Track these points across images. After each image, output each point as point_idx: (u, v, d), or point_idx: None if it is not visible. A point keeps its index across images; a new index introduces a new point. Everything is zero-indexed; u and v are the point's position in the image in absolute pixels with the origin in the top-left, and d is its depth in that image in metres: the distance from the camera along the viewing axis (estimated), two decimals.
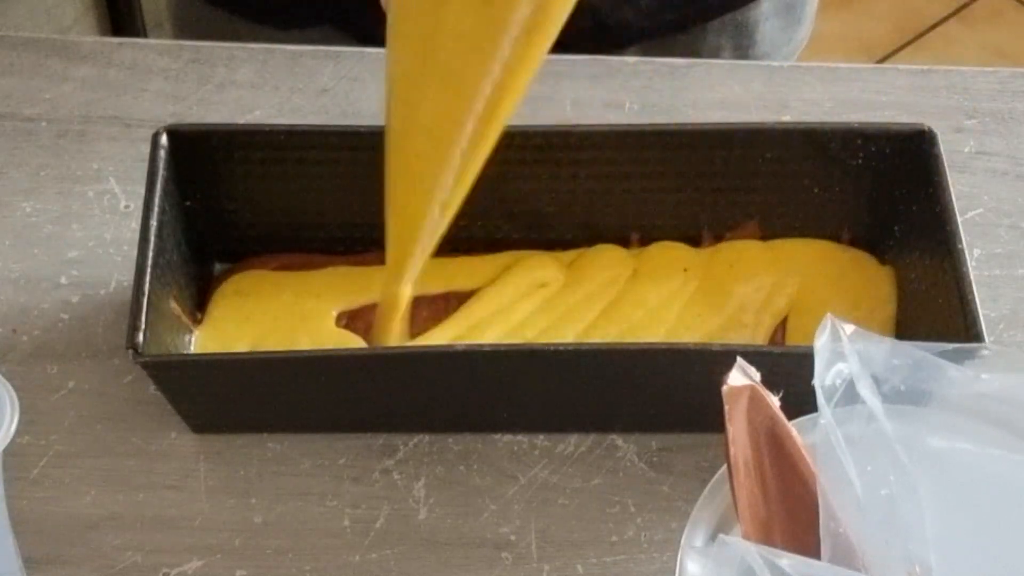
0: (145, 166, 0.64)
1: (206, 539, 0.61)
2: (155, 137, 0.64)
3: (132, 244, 0.63)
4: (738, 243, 0.68)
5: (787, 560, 0.43)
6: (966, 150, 0.75)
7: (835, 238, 0.69)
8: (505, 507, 0.62)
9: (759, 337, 0.66)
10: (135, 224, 0.63)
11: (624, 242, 0.69)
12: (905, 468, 0.47)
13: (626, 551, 0.61)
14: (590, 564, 0.61)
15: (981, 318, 0.59)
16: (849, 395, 0.47)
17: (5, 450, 0.50)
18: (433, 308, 0.66)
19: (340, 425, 0.64)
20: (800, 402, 0.49)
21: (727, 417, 0.47)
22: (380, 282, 0.63)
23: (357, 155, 0.66)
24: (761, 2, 0.85)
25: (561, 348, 0.62)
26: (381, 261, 0.67)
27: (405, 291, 0.62)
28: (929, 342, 0.49)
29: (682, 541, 0.48)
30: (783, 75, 0.78)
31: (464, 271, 0.67)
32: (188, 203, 0.66)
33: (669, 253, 0.68)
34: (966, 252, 0.62)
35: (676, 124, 0.70)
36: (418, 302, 0.65)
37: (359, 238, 0.68)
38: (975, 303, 0.60)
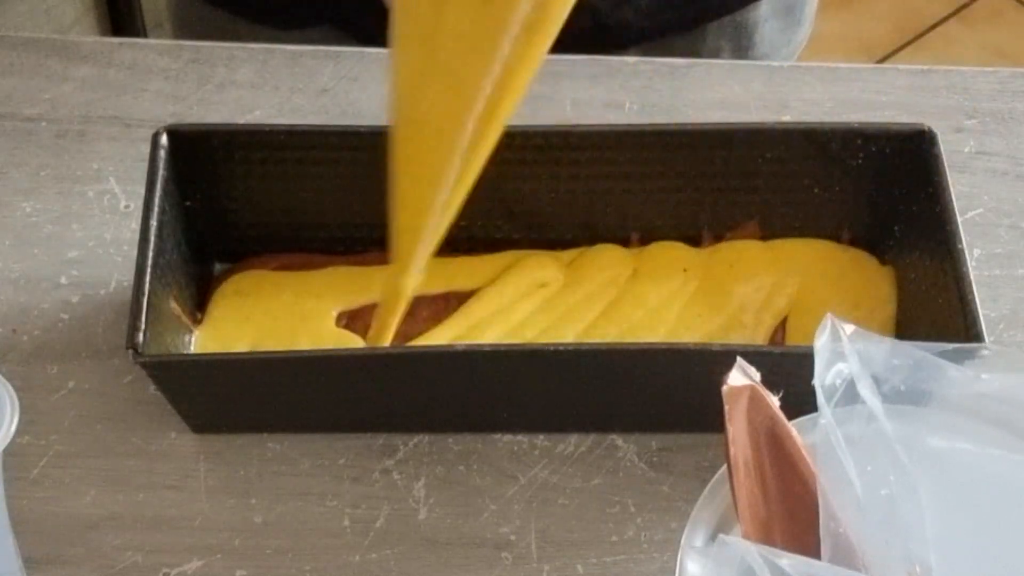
0: (145, 166, 0.64)
1: (206, 539, 0.61)
2: (155, 137, 0.64)
3: (132, 244, 0.63)
4: (738, 243, 0.68)
5: (787, 560, 0.43)
6: (966, 150, 0.75)
7: (835, 238, 0.69)
8: (505, 507, 0.62)
9: (759, 337, 0.66)
10: (135, 224, 0.63)
11: (624, 242, 0.69)
12: (905, 468, 0.47)
13: (626, 551, 0.61)
14: (590, 564, 0.61)
15: (981, 318, 0.59)
16: (849, 395, 0.47)
17: (5, 450, 0.50)
18: (433, 308, 0.66)
19: (340, 425, 0.64)
20: (800, 402, 0.49)
21: (727, 417, 0.47)
22: (384, 276, 0.63)
23: (357, 155, 0.66)
24: (760, 4, 0.85)
25: (561, 348, 0.62)
26: (381, 261, 0.68)
27: (409, 283, 0.62)
28: (929, 342, 0.49)
29: (682, 541, 0.48)
30: (783, 75, 0.78)
31: (464, 271, 0.67)
32: (188, 203, 0.66)
33: (669, 253, 0.68)
34: (966, 252, 0.62)
35: (676, 124, 0.70)
36: (418, 302, 0.65)
37: (359, 238, 0.68)
38: (975, 303, 0.60)
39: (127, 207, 0.71)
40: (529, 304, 0.66)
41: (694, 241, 0.69)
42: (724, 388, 0.47)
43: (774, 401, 0.48)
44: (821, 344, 0.48)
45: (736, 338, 0.66)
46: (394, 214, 0.60)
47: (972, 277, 0.61)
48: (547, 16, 0.53)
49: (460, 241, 0.66)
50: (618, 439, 0.64)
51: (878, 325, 0.66)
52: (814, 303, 0.66)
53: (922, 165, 0.64)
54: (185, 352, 0.64)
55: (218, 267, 0.68)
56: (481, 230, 0.68)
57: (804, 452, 0.47)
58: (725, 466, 0.47)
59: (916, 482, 0.47)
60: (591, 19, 0.80)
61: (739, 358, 0.48)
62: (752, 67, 0.79)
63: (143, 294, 0.60)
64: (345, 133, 0.66)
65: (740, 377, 0.48)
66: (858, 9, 1.90)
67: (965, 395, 0.49)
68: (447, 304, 0.67)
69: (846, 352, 0.48)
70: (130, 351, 0.58)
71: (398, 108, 0.58)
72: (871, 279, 0.67)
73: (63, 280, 0.69)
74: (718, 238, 0.69)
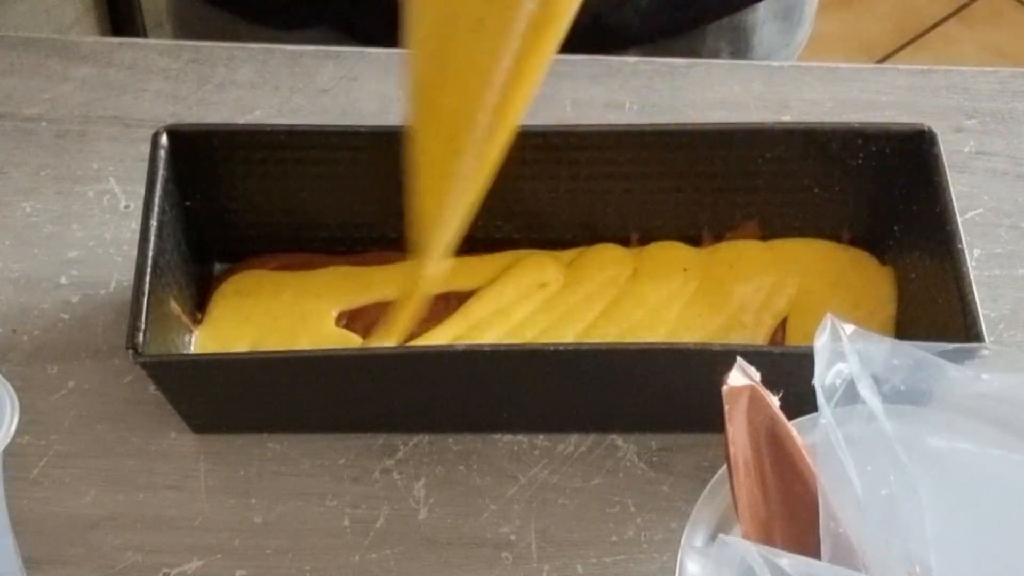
0: (145, 166, 0.64)
1: (206, 539, 0.61)
2: (155, 137, 0.64)
3: (132, 244, 0.63)
4: (738, 243, 0.68)
5: (787, 560, 0.43)
6: (966, 150, 0.75)
7: (835, 238, 0.69)
8: (505, 507, 0.62)
9: (759, 337, 0.66)
10: (135, 224, 0.63)
11: (624, 242, 0.69)
12: (905, 468, 0.47)
13: (626, 551, 0.61)
14: (590, 564, 0.61)
15: (981, 318, 0.59)
16: (849, 395, 0.47)
17: (5, 450, 0.50)
18: (433, 308, 0.66)
19: (340, 425, 0.64)
20: (800, 402, 0.49)
21: (727, 417, 0.47)
22: (401, 271, 0.64)
23: (357, 155, 0.66)
24: (759, 6, 0.85)
25: (561, 348, 0.62)
26: (381, 261, 0.68)
27: (429, 272, 0.62)
28: (929, 342, 0.49)
29: (682, 541, 0.48)
30: (783, 75, 0.78)
31: (464, 271, 0.67)
32: (188, 203, 0.66)
33: (669, 253, 0.68)
34: (966, 252, 0.62)
35: (676, 124, 0.70)
36: None
37: (359, 238, 0.68)
38: (975, 303, 0.60)
39: (127, 207, 0.71)
40: (529, 304, 0.66)
41: (694, 241, 0.69)
42: (724, 388, 0.47)
43: (774, 401, 0.48)
44: (821, 344, 0.48)
45: (736, 338, 0.66)
46: (413, 205, 0.61)
47: (972, 277, 0.61)
48: (553, 12, 0.54)
49: (460, 241, 0.66)
50: (618, 439, 0.64)
51: (878, 325, 0.66)
52: (814, 303, 0.66)
53: (922, 165, 0.64)
54: (185, 352, 0.64)
55: (218, 267, 0.68)
56: (481, 230, 0.67)
57: (804, 452, 0.47)
58: (725, 466, 0.47)
59: (916, 482, 0.47)
60: (591, 19, 0.80)
61: (739, 358, 0.48)
62: (752, 67, 0.79)
63: (143, 294, 0.60)
64: (345, 133, 0.66)
65: (740, 377, 0.48)
66: (858, 9, 1.90)
67: (965, 395, 0.49)
68: (447, 304, 0.67)
69: (846, 352, 0.48)
70: (130, 351, 0.58)
71: (414, 101, 0.58)
72: (871, 279, 0.67)
73: (63, 280, 0.69)
74: (718, 238, 0.69)
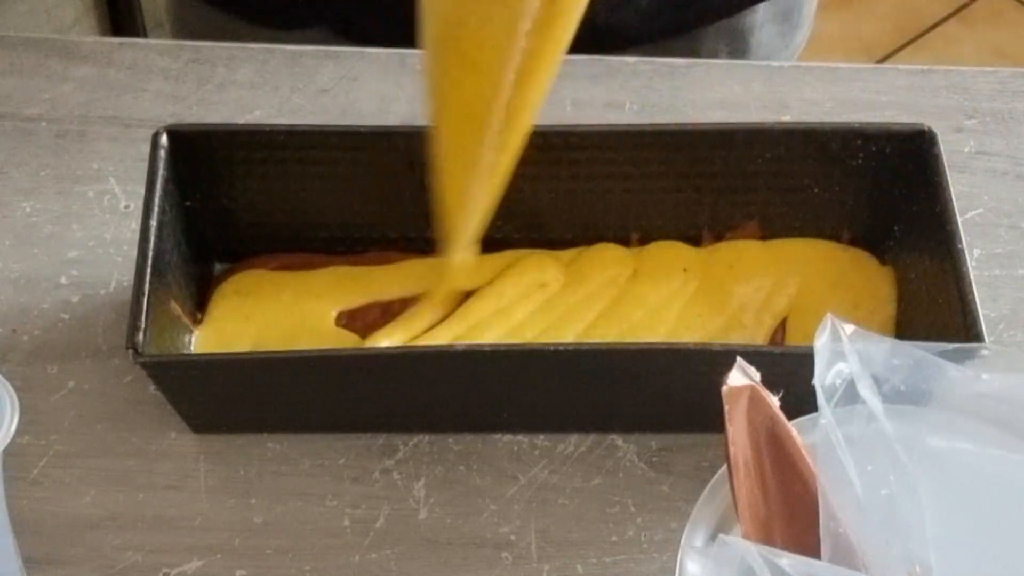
0: (145, 166, 0.64)
1: (206, 539, 0.61)
2: (155, 137, 0.64)
3: (132, 244, 0.63)
4: (738, 243, 0.68)
5: (787, 560, 0.43)
6: (966, 150, 0.75)
7: (835, 238, 0.69)
8: (505, 507, 0.62)
9: (759, 337, 0.66)
10: (135, 224, 0.63)
11: (624, 242, 0.69)
12: (905, 468, 0.47)
13: (626, 551, 0.61)
14: (590, 564, 0.61)
15: (981, 318, 0.59)
16: (849, 395, 0.47)
17: (5, 450, 0.50)
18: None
19: (340, 425, 0.64)
20: (800, 402, 0.49)
21: (727, 417, 0.47)
22: (427, 266, 0.65)
23: (357, 155, 0.66)
24: (757, 8, 0.85)
25: (561, 348, 0.62)
26: (381, 261, 0.68)
27: (457, 259, 0.64)
28: (929, 342, 0.49)
29: (682, 541, 0.48)
30: (783, 75, 0.78)
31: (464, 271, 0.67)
32: (188, 203, 0.66)
33: (669, 252, 0.68)
34: (966, 252, 0.62)
35: (676, 124, 0.70)
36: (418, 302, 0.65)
37: (359, 238, 0.68)
38: (975, 303, 0.60)
39: (127, 207, 0.71)
40: (529, 304, 0.66)
41: (694, 241, 0.69)
42: (724, 388, 0.47)
43: (774, 401, 0.48)
44: (821, 344, 0.48)
45: (736, 338, 0.66)
46: (438, 197, 0.62)
47: (972, 277, 0.61)
48: (560, 10, 0.56)
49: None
50: (618, 439, 0.64)
51: (878, 325, 0.66)
52: (814, 303, 0.66)
53: (922, 165, 0.64)
54: (185, 352, 0.64)
55: (218, 267, 0.68)
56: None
57: (804, 452, 0.47)
58: (725, 466, 0.47)
59: (916, 482, 0.47)
60: (589, 21, 0.80)
61: (739, 358, 0.48)
62: (752, 67, 0.79)
63: (143, 294, 0.60)
64: (345, 133, 0.66)
65: (740, 377, 0.48)
66: (858, 9, 1.90)
67: (965, 395, 0.49)
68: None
69: (846, 352, 0.48)
70: (130, 351, 0.58)
71: (431, 97, 0.60)
72: (871, 279, 0.67)
73: (63, 280, 0.69)
74: (718, 238, 0.69)
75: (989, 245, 0.71)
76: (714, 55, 0.85)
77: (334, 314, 0.66)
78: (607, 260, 0.68)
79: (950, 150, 0.68)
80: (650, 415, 0.64)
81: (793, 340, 0.66)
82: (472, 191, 0.61)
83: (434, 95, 0.60)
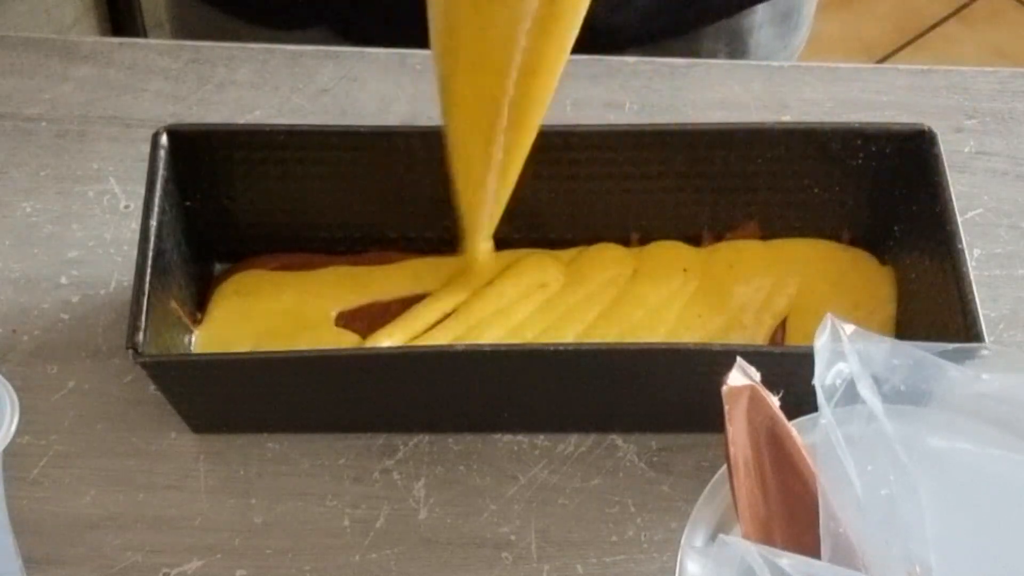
0: (145, 166, 0.64)
1: (206, 539, 0.61)
2: (155, 137, 0.64)
3: (132, 244, 0.63)
4: (738, 243, 0.68)
5: (787, 560, 0.43)
6: (966, 150, 0.75)
7: (835, 238, 0.69)
8: (505, 507, 0.62)
9: (759, 337, 0.66)
10: (135, 224, 0.63)
11: (624, 242, 0.69)
12: (905, 468, 0.47)
13: (626, 551, 0.61)
14: (590, 564, 0.61)
15: (981, 318, 0.59)
16: (849, 395, 0.47)
17: (5, 450, 0.50)
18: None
19: (340, 425, 0.64)
20: (800, 402, 0.49)
21: (727, 417, 0.47)
22: (453, 263, 0.67)
23: (357, 155, 0.66)
24: (756, 9, 0.85)
25: (561, 348, 0.62)
26: (381, 261, 0.68)
27: (480, 249, 0.65)
28: (929, 342, 0.49)
29: (682, 541, 0.48)
30: (783, 75, 0.78)
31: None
32: (188, 203, 0.66)
33: (669, 252, 0.68)
34: (966, 252, 0.62)
35: (676, 124, 0.70)
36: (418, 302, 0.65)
37: (359, 238, 0.68)
38: (975, 303, 0.60)
39: (127, 207, 0.71)
40: (529, 304, 0.66)
41: (694, 241, 0.69)
42: (724, 388, 0.47)
43: (774, 401, 0.48)
44: (821, 344, 0.48)
45: (736, 338, 0.66)
46: (454, 192, 0.63)
47: (972, 277, 0.61)
48: (560, 11, 0.56)
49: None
50: (618, 439, 0.64)
51: (878, 325, 0.66)
52: (814, 303, 0.66)
53: (922, 165, 0.64)
54: (185, 352, 0.64)
55: (218, 267, 0.68)
56: None
57: (804, 452, 0.47)
58: (725, 466, 0.47)
59: (916, 482, 0.47)
60: (589, 21, 0.80)
61: (739, 358, 0.48)
62: (752, 67, 0.79)
63: (143, 294, 0.60)
64: (345, 133, 0.66)
65: (740, 377, 0.48)
66: (858, 9, 1.90)
67: (965, 395, 0.49)
68: None
69: (846, 352, 0.48)
70: (130, 351, 0.58)
71: (441, 96, 0.60)
72: (871, 279, 0.67)
73: (63, 280, 0.69)
74: (718, 238, 0.69)
75: (989, 245, 0.71)
76: (713, 56, 0.85)
77: (334, 314, 0.66)
78: (607, 260, 0.68)
79: (950, 150, 0.68)
80: (650, 415, 0.64)
81: (793, 340, 0.66)
82: (484, 187, 0.62)
83: (443, 94, 0.60)
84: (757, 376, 0.48)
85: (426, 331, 0.65)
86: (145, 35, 1.53)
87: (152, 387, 0.63)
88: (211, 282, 0.68)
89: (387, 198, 0.67)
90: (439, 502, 0.62)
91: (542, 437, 0.64)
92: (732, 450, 0.47)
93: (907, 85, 0.78)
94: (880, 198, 0.67)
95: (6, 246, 0.70)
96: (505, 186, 0.62)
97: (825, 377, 0.47)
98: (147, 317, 0.59)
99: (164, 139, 0.64)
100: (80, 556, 0.60)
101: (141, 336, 0.59)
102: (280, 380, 0.62)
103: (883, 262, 0.68)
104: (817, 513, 0.46)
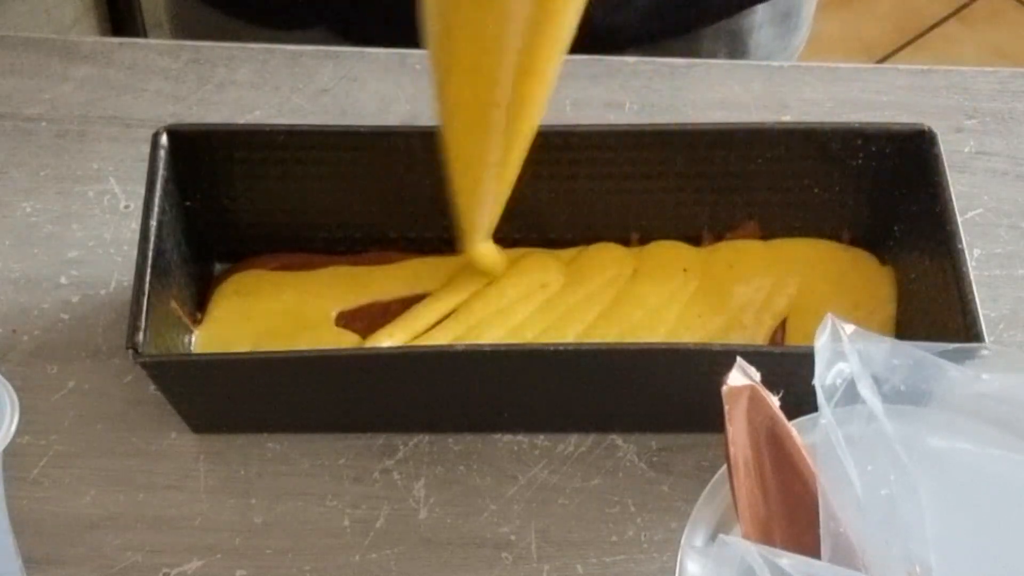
0: (145, 166, 0.64)
1: (206, 539, 0.61)
2: (155, 137, 0.64)
3: (132, 244, 0.63)
4: (738, 243, 0.68)
5: (787, 560, 0.43)
6: (966, 150, 0.75)
7: (835, 238, 0.69)
8: (505, 507, 0.62)
9: (759, 337, 0.66)
10: (135, 224, 0.63)
11: (624, 242, 0.69)
12: (905, 468, 0.47)
13: (626, 551, 0.61)
14: (590, 564, 0.61)
15: (981, 318, 0.59)
16: (849, 395, 0.47)
17: (5, 450, 0.50)
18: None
19: (340, 425, 0.64)
20: (800, 402, 0.49)
21: (727, 417, 0.47)
22: (455, 263, 0.67)
23: (357, 155, 0.66)
24: (756, 10, 0.85)
25: (561, 348, 0.61)
26: (381, 261, 0.68)
27: (480, 249, 0.65)
28: (929, 342, 0.49)
29: (682, 541, 0.48)
30: (783, 75, 0.78)
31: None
32: (188, 203, 0.66)
33: (669, 252, 0.68)
34: (966, 252, 0.62)
35: (676, 124, 0.70)
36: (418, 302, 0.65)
37: (359, 238, 0.68)
38: (975, 303, 0.60)
39: (127, 207, 0.71)
40: (529, 304, 0.66)
41: (694, 241, 0.69)
42: (724, 388, 0.47)
43: (774, 401, 0.48)
44: (821, 344, 0.48)
45: (736, 338, 0.66)
46: (451, 192, 0.63)
47: (972, 277, 0.61)
48: (553, 9, 0.56)
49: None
50: (618, 439, 0.64)
51: (878, 325, 0.66)
52: (814, 303, 0.66)
53: (922, 165, 0.64)
54: (185, 352, 0.64)
55: (218, 267, 0.68)
56: None
57: (804, 452, 0.47)
58: (725, 466, 0.47)
59: (916, 482, 0.47)
60: (589, 21, 0.80)
61: (739, 358, 0.48)
62: (752, 67, 0.79)
63: (143, 294, 0.60)
64: (345, 133, 0.66)
65: (740, 377, 0.48)
66: (858, 9, 1.90)
67: (965, 395, 0.49)
68: None
69: (846, 352, 0.47)
70: (130, 351, 0.58)
71: (436, 97, 0.60)
72: (871, 279, 0.67)
73: (63, 280, 0.69)
74: (718, 238, 0.69)
75: (989, 245, 0.71)
76: (713, 56, 0.85)
77: (334, 314, 0.66)
78: (607, 260, 0.68)
79: (950, 150, 0.68)
80: (650, 415, 0.64)
81: (793, 340, 0.66)
82: (482, 187, 0.62)
83: (438, 95, 0.60)
84: (757, 376, 0.48)
85: (426, 331, 0.65)
86: (145, 35, 1.53)
87: (152, 387, 0.63)
88: (211, 282, 0.68)
89: (387, 198, 0.67)
90: (439, 502, 0.62)
91: (542, 437, 0.64)
92: (732, 450, 0.47)
93: (907, 85, 0.78)
94: (880, 198, 0.67)
95: (6, 246, 0.70)
96: (504, 187, 0.62)
97: (825, 377, 0.47)
98: (147, 317, 0.59)
99: (164, 139, 0.64)
100: (80, 556, 0.60)
101: (141, 336, 0.59)
102: (280, 380, 0.62)
103: (883, 262, 0.68)
104: (817, 513, 0.46)
